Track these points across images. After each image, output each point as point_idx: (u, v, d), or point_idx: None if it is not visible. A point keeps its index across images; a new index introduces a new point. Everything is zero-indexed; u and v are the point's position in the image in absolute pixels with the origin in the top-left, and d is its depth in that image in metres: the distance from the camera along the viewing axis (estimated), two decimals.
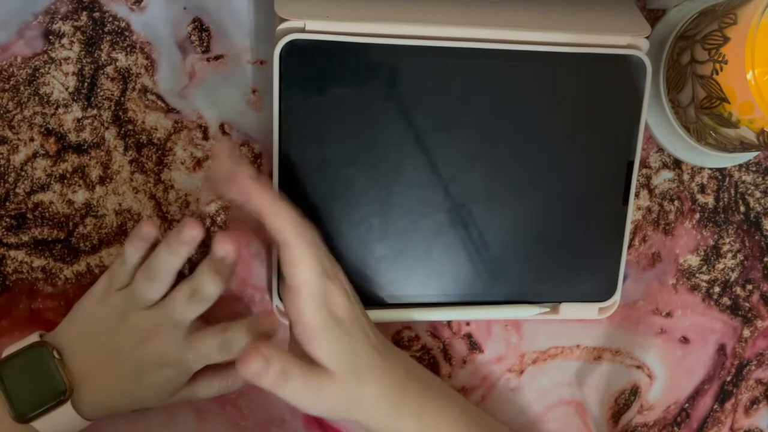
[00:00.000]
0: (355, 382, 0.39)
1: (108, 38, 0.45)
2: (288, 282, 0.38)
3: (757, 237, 0.54)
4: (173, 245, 0.41)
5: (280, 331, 0.49)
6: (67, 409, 0.40)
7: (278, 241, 0.37)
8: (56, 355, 0.41)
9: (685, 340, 0.55)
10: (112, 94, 0.45)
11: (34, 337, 0.42)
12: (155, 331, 0.41)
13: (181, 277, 0.43)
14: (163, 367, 0.41)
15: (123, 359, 0.41)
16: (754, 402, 0.57)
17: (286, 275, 0.38)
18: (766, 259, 0.55)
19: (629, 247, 0.52)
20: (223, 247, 0.40)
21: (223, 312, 0.48)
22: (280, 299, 0.46)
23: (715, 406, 0.56)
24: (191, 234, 0.40)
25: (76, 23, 0.44)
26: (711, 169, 0.53)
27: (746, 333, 0.55)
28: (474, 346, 0.52)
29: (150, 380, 0.41)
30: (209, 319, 0.48)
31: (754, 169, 0.53)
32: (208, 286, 0.41)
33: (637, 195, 0.52)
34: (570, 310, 0.50)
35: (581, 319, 0.51)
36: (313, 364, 0.38)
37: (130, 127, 0.46)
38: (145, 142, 0.46)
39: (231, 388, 0.45)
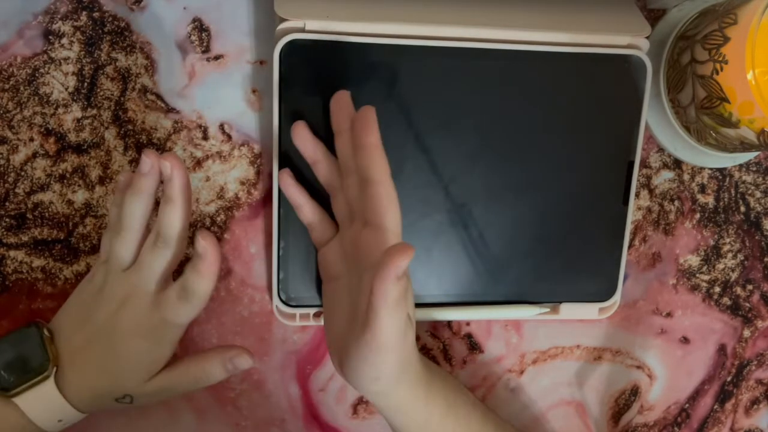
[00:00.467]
0: (411, 344, 0.38)
1: (108, 38, 0.45)
2: (374, 220, 0.38)
3: (757, 237, 0.54)
4: (135, 183, 0.39)
5: (279, 331, 0.49)
6: (50, 386, 0.40)
7: (369, 177, 0.38)
8: (46, 333, 0.41)
9: (685, 340, 0.55)
10: (112, 94, 0.45)
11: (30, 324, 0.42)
12: (127, 294, 0.40)
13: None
14: (137, 337, 0.40)
15: (100, 332, 0.41)
16: (755, 402, 0.57)
17: (372, 212, 0.38)
18: (766, 259, 0.55)
19: (629, 247, 0.52)
20: (201, 243, 0.38)
21: (223, 312, 0.48)
22: (280, 299, 0.46)
23: (716, 407, 0.56)
24: (148, 162, 0.38)
25: (75, 23, 0.44)
26: (711, 169, 0.53)
27: (746, 333, 0.55)
28: (474, 346, 0.52)
29: (126, 353, 0.41)
30: (209, 319, 0.48)
31: (754, 169, 0.53)
32: (171, 222, 0.39)
33: (637, 195, 0.52)
34: (570, 310, 0.50)
35: (581, 319, 0.51)
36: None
37: (130, 127, 0.46)
38: (145, 142, 0.46)
39: (212, 377, 0.43)
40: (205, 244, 0.38)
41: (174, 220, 0.39)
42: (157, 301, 0.40)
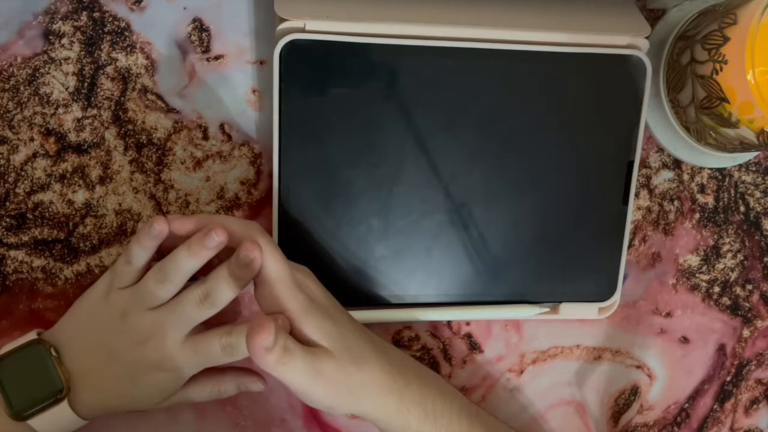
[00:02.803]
0: (352, 362, 0.39)
1: (108, 38, 0.45)
2: (257, 280, 0.39)
3: (756, 237, 0.54)
4: (195, 249, 0.39)
5: None
6: (63, 407, 0.40)
7: (238, 243, 0.38)
8: (54, 353, 0.40)
9: (685, 340, 0.55)
10: (112, 94, 0.45)
11: (31, 335, 0.41)
12: (155, 332, 0.40)
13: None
14: (159, 371, 0.40)
15: (119, 360, 0.40)
16: (754, 402, 0.57)
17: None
18: (766, 259, 0.55)
19: (629, 247, 0.52)
20: (250, 254, 0.38)
21: (223, 312, 0.48)
22: None
23: (715, 406, 0.56)
24: (218, 240, 0.38)
25: (76, 23, 0.44)
26: (711, 169, 0.53)
27: (746, 333, 0.55)
28: (474, 346, 0.52)
29: (145, 383, 0.41)
30: (209, 319, 0.48)
31: (753, 169, 0.53)
32: (224, 292, 0.39)
33: (637, 195, 0.52)
34: (570, 310, 0.50)
35: (581, 319, 0.51)
36: (309, 347, 0.38)
37: (130, 127, 0.46)
38: (145, 142, 0.46)
39: (223, 394, 0.45)
40: (254, 254, 0.38)
41: (230, 294, 0.40)
42: (191, 345, 0.40)
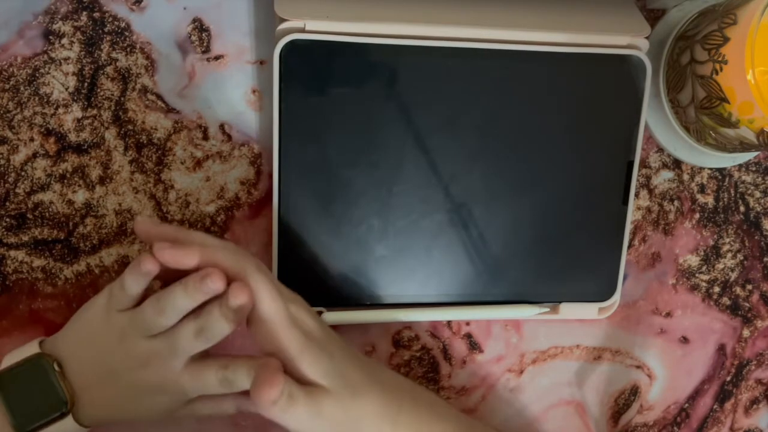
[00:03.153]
0: (350, 397, 0.39)
1: (108, 38, 0.45)
2: (251, 317, 0.38)
3: (756, 237, 0.54)
4: (191, 291, 0.38)
5: None
6: (68, 422, 0.40)
7: (232, 278, 0.38)
8: (56, 368, 0.40)
9: (684, 340, 0.55)
10: (112, 94, 0.45)
11: (34, 347, 0.41)
12: (153, 359, 0.39)
13: None
14: (159, 394, 0.40)
15: (119, 380, 0.40)
16: (754, 402, 0.57)
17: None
18: (765, 259, 0.55)
19: (629, 247, 0.52)
20: (239, 300, 0.37)
21: None
22: None
23: (715, 406, 0.56)
24: (214, 287, 0.38)
25: (76, 23, 0.44)
26: (711, 169, 0.53)
27: (746, 333, 0.55)
28: (474, 346, 0.52)
29: (146, 403, 0.41)
30: None
31: (753, 169, 0.53)
32: (218, 328, 0.39)
33: (637, 195, 0.52)
34: (570, 310, 0.50)
35: (581, 319, 0.51)
36: (307, 386, 0.38)
37: (130, 127, 0.46)
38: (145, 142, 0.46)
39: (224, 412, 0.44)
40: (243, 298, 0.37)
41: (225, 330, 0.39)
42: (189, 372, 0.40)
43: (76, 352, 0.41)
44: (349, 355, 0.41)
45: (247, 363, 0.40)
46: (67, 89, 0.45)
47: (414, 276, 0.47)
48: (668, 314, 0.54)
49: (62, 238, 0.46)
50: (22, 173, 0.45)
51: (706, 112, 0.46)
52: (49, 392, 0.39)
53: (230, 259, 0.38)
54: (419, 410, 0.43)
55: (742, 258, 0.54)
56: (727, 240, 0.54)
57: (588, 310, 0.50)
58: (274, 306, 0.38)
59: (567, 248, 0.48)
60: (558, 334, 0.53)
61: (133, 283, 0.39)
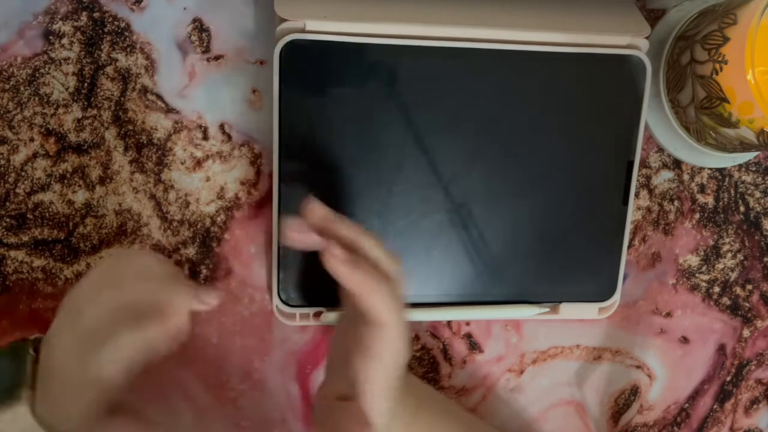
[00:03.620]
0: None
1: (108, 38, 0.45)
2: (374, 318, 0.37)
3: (756, 237, 0.54)
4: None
5: (279, 331, 0.49)
6: (22, 410, 0.37)
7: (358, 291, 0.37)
8: (32, 352, 0.38)
9: (685, 340, 0.55)
10: (112, 94, 0.45)
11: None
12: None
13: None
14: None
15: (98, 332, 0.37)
16: (754, 402, 0.57)
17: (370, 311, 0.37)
18: (765, 259, 0.55)
19: (629, 247, 0.52)
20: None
21: (223, 312, 0.48)
22: (280, 299, 0.46)
23: (715, 406, 0.56)
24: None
25: (76, 23, 0.44)
26: (711, 169, 0.53)
27: (746, 333, 0.55)
28: (474, 346, 0.52)
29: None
30: (209, 319, 0.48)
31: (753, 169, 0.53)
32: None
33: (637, 195, 0.52)
34: (570, 310, 0.50)
35: (581, 319, 0.51)
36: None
37: (130, 127, 0.46)
38: (145, 142, 0.46)
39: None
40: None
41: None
42: None
43: (59, 345, 0.38)
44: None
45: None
46: (67, 89, 0.45)
47: (414, 276, 0.47)
48: (668, 314, 0.54)
49: (62, 238, 0.46)
50: (22, 173, 0.45)
51: (706, 112, 0.46)
52: (12, 374, 0.38)
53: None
54: (427, 409, 0.43)
55: (742, 258, 0.54)
56: (727, 240, 0.54)
57: (588, 310, 0.50)
58: (396, 317, 0.37)
59: (567, 248, 0.48)
60: (558, 334, 0.53)
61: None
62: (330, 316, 0.46)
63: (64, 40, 0.44)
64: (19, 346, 0.39)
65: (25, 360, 0.38)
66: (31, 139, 0.45)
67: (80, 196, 0.46)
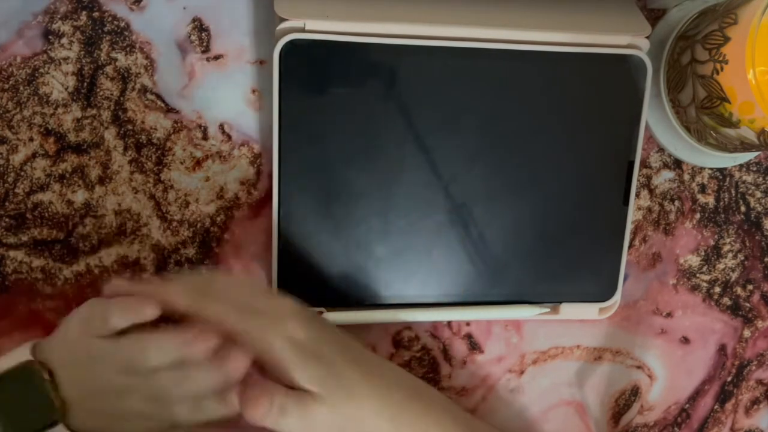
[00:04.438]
0: (345, 399, 0.39)
1: (108, 38, 0.45)
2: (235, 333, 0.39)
3: (757, 237, 0.54)
4: (182, 346, 0.39)
5: None
6: (59, 430, 0.38)
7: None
8: (47, 376, 0.38)
9: (685, 340, 0.55)
10: (112, 94, 0.45)
11: (25, 353, 0.39)
12: (135, 397, 0.39)
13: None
14: (146, 420, 0.39)
15: (105, 400, 0.39)
16: (755, 402, 0.57)
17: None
18: (766, 259, 0.55)
19: (629, 247, 0.52)
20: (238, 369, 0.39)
21: None
22: None
23: (716, 407, 0.56)
24: (204, 348, 0.39)
25: (75, 23, 0.44)
26: (711, 169, 0.53)
27: (747, 333, 0.55)
28: (474, 346, 0.52)
29: (135, 425, 0.40)
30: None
31: (754, 169, 0.53)
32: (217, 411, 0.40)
33: (637, 195, 0.52)
34: (570, 311, 0.50)
35: (581, 319, 0.51)
36: (299, 393, 0.38)
37: (129, 127, 0.46)
38: (144, 142, 0.46)
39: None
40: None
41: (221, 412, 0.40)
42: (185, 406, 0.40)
43: (64, 364, 0.39)
44: (343, 358, 0.41)
45: (240, 388, 0.40)
46: (66, 89, 0.45)
47: (414, 276, 0.47)
48: (669, 314, 0.54)
49: (61, 238, 0.46)
50: (22, 173, 0.45)
51: (706, 111, 0.46)
52: (40, 401, 0.38)
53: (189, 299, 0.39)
54: (421, 407, 0.43)
55: (742, 258, 0.54)
56: (728, 240, 0.54)
57: (588, 311, 0.50)
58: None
59: (567, 248, 0.48)
60: (558, 335, 0.53)
61: (121, 321, 0.39)
62: (330, 317, 0.46)
63: (64, 40, 0.44)
64: (28, 369, 0.38)
65: (43, 385, 0.38)
66: (31, 139, 0.45)
67: (80, 196, 0.46)
